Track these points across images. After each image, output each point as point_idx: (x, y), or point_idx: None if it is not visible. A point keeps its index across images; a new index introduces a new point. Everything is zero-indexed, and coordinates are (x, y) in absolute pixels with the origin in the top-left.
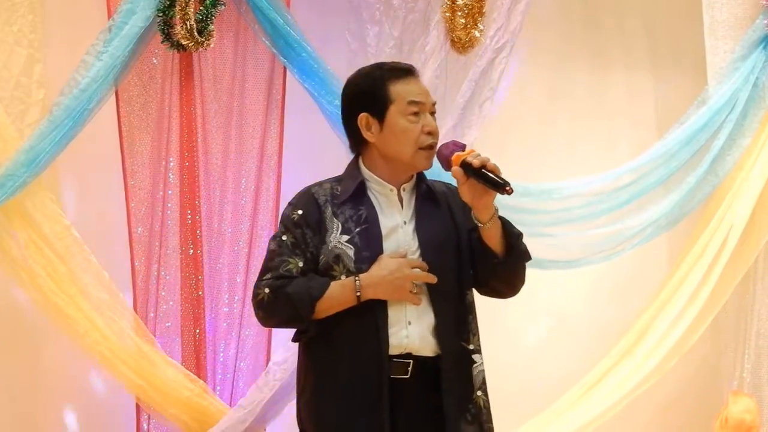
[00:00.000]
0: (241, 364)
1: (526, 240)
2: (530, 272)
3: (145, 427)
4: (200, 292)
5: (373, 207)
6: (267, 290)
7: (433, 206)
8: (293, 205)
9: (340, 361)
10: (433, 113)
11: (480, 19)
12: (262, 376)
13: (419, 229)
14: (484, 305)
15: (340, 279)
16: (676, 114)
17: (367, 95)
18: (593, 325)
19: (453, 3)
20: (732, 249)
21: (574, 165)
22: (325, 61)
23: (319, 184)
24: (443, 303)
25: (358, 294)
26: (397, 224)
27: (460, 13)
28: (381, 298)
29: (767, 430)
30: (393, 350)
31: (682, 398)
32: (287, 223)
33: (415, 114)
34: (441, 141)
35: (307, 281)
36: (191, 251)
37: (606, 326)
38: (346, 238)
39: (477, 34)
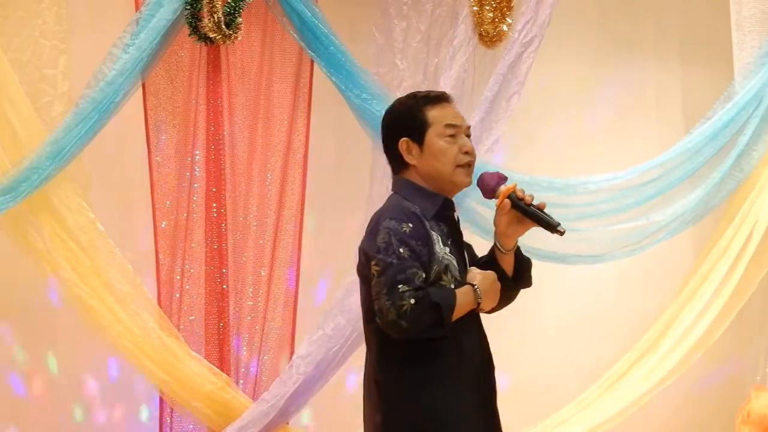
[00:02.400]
0: (265, 357)
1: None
2: (555, 266)
3: (168, 421)
4: (224, 286)
5: (452, 223)
6: (412, 301)
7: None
8: (397, 219)
9: (467, 363)
10: (468, 135)
11: (508, 13)
12: (285, 369)
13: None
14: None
15: (449, 287)
16: (703, 109)
17: (406, 121)
18: (618, 320)
19: None
20: (757, 244)
21: (602, 159)
22: (353, 55)
23: (398, 203)
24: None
25: (479, 301)
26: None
27: (488, 7)
28: (485, 306)
29: None
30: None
31: (706, 393)
32: (401, 236)
33: (452, 136)
34: (472, 134)
35: (440, 291)
36: (216, 245)
37: (630, 320)
38: (447, 249)
39: (505, 28)
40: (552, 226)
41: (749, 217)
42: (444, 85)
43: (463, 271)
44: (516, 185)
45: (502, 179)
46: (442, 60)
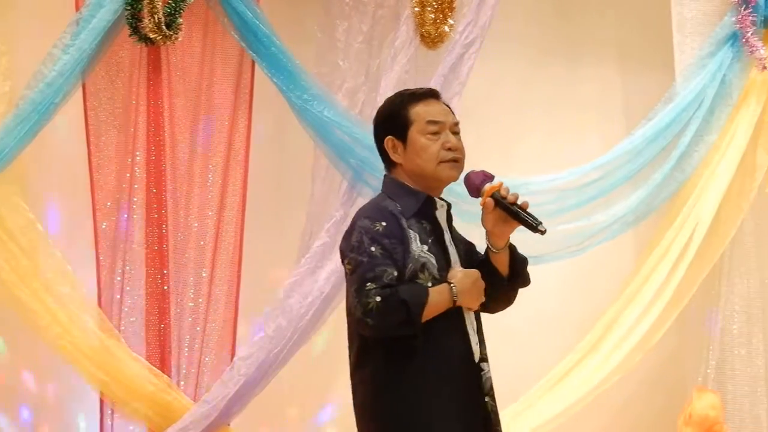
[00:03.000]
0: (206, 359)
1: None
2: None
3: (109, 423)
4: (165, 287)
5: (437, 220)
6: (378, 299)
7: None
8: (370, 218)
9: (442, 364)
10: (455, 132)
11: (450, 14)
12: (227, 371)
13: (454, 241)
14: None
15: (426, 285)
16: (645, 110)
17: (390, 120)
18: (560, 320)
19: None
20: (698, 245)
21: (545, 159)
22: (294, 56)
23: (377, 203)
24: (477, 314)
25: (455, 299)
26: (449, 238)
27: (429, 9)
28: (465, 305)
29: (731, 426)
30: (476, 356)
31: (648, 394)
32: (373, 235)
33: (435, 133)
34: None
35: (410, 288)
36: (156, 246)
37: (572, 321)
38: (426, 247)
39: (446, 29)
40: (532, 226)
41: (690, 218)
42: (385, 86)
43: (445, 269)
44: (502, 184)
45: (488, 178)
46: (383, 60)
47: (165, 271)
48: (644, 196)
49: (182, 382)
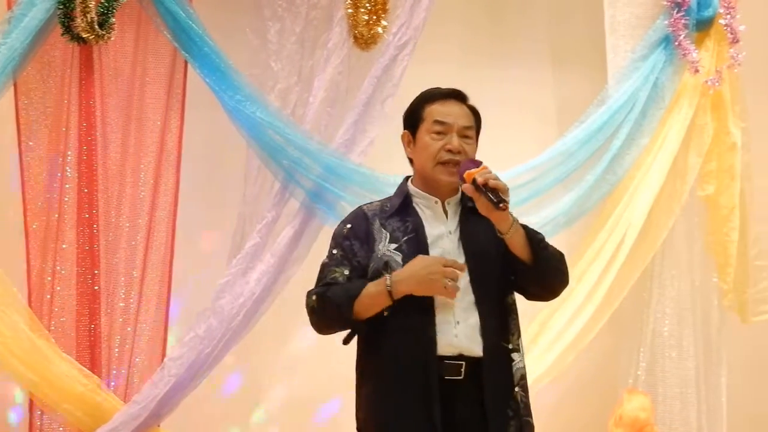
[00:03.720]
0: (137, 359)
1: None
2: None
3: (38, 424)
4: (96, 287)
5: (419, 217)
6: (314, 297)
7: (477, 218)
8: (344, 221)
9: (392, 363)
10: (466, 136)
11: (383, 15)
12: (157, 371)
13: (464, 239)
14: None
15: (364, 281)
16: (577, 112)
17: (409, 115)
18: None
19: None
20: (629, 247)
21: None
22: (227, 57)
23: (371, 202)
24: (486, 305)
25: (389, 288)
26: (443, 233)
27: (363, 10)
28: (414, 293)
29: (661, 427)
30: (444, 350)
31: (579, 395)
32: (338, 239)
33: (439, 133)
34: (344, 137)
35: (346, 284)
36: (87, 246)
37: None
38: (394, 246)
39: (380, 30)
40: (494, 203)
41: (622, 220)
42: (318, 87)
43: None
44: (485, 169)
45: (474, 164)
46: (316, 62)
47: (96, 271)
48: (576, 198)
49: (113, 383)
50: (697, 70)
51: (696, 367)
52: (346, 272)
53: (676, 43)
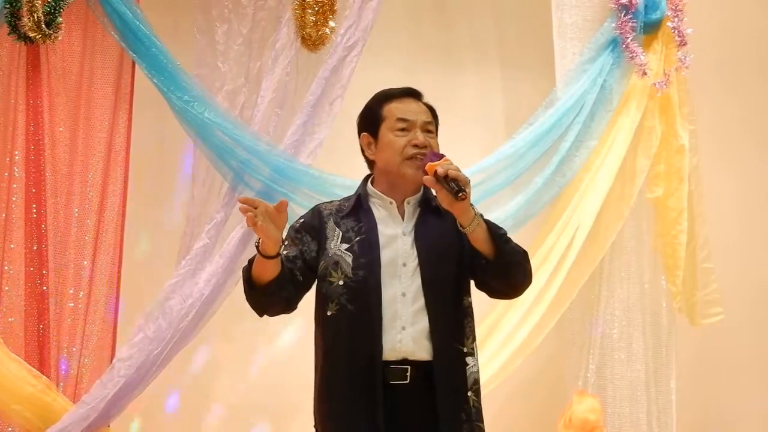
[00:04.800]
0: (86, 360)
1: None
2: None
3: None
4: (45, 287)
5: (374, 218)
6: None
7: (437, 218)
8: (300, 216)
9: (339, 367)
10: (429, 131)
11: (331, 16)
12: (106, 372)
13: (418, 240)
14: None
15: (338, 283)
16: (525, 115)
17: (366, 117)
18: None
19: (303, 0)
20: (578, 249)
21: None
22: (175, 57)
23: (330, 201)
24: (439, 308)
25: (257, 244)
26: (396, 234)
27: (310, 11)
28: (264, 240)
29: (610, 429)
30: (389, 355)
31: (528, 398)
32: (290, 232)
33: (403, 130)
34: (292, 138)
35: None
36: (36, 246)
37: None
38: (345, 246)
39: (328, 31)
40: (454, 193)
41: (571, 222)
42: (266, 89)
43: (366, 267)
44: (447, 161)
45: (436, 157)
46: (264, 63)
47: (44, 271)
48: (525, 201)
49: (61, 384)
50: (644, 73)
51: (645, 369)
52: (285, 252)
53: (624, 46)
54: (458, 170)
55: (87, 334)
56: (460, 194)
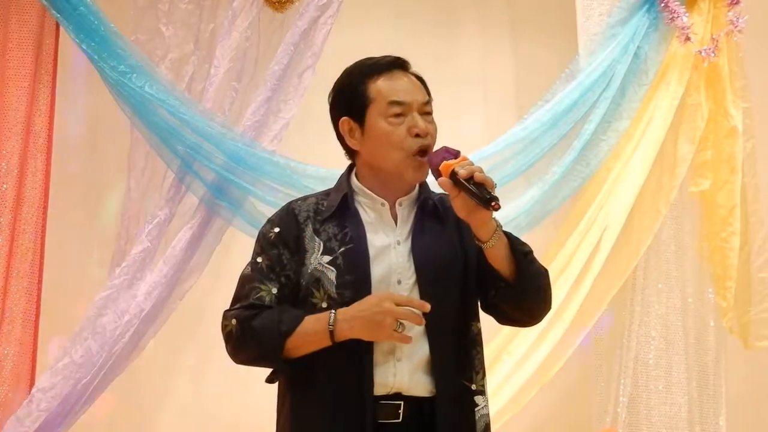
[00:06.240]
0: None
1: None
2: None
3: None
4: None
5: (361, 224)
6: (234, 321)
7: (437, 223)
8: (271, 222)
9: (323, 403)
10: (426, 113)
11: None
12: (23, 405)
13: (416, 251)
14: None
15: (321, 306)
16: (540, 89)
17: (346, 96)
18: None
19: None
20: (606, 256)
21: None
22: (108, 19)
23: (304, 198)
24: (441, 336)
25: (331, 328)
26: (389, 244)
27: None
28: (359, 336)
29: None
30: (379, 390)
31: None
32: (263, 243)
33: (398, 115)
34: (253, 118)
35: (279, 314)
36: None
37: None
38: (327, 259)
39: None
40: (484, 201)
41: (597, 222)
42: (221, 56)
43: (354, 285)
44: (465, 159)
45: (450, 155)
46: (218, 25)
47: None
48: (540, 194)
49: None
50: (688, 38)
51: (688, 402)
52: (275, 290)
53: (663, 5)
54: (482, 171)
55: (0, 359)
56: (493, 203)
